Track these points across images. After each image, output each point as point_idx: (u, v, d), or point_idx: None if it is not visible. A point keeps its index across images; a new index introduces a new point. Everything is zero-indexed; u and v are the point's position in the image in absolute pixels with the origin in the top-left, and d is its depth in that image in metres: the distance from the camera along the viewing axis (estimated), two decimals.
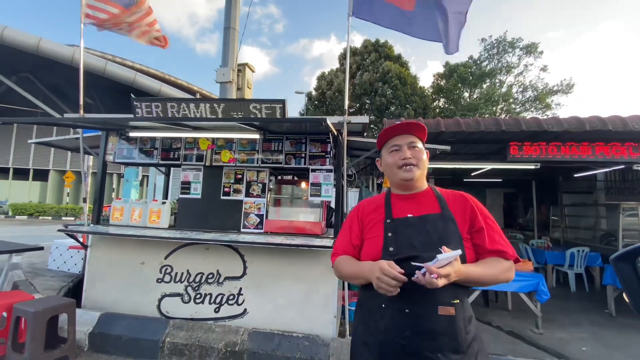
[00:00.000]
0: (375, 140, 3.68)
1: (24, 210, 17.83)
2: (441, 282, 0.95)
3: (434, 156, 3.81)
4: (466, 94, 20.68)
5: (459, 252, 0.98)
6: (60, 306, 2.76)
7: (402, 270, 1.00)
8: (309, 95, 19.62)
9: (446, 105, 20.77)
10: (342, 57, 18.97)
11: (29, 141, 4.91)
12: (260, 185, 3.55)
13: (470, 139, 4.55)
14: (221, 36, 5.39)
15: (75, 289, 3.97)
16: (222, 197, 3.58)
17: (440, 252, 0.97)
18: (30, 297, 2.88)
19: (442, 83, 20.78)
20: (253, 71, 5.89)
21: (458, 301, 1.09)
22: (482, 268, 1.10)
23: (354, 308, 3.73)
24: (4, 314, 2.67)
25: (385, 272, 1.00)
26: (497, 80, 20.21)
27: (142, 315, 3.18)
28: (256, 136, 3.33)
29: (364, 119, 3.46)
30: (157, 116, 3.37)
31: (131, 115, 3.36)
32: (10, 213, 17.68)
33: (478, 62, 20.30)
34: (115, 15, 3.95)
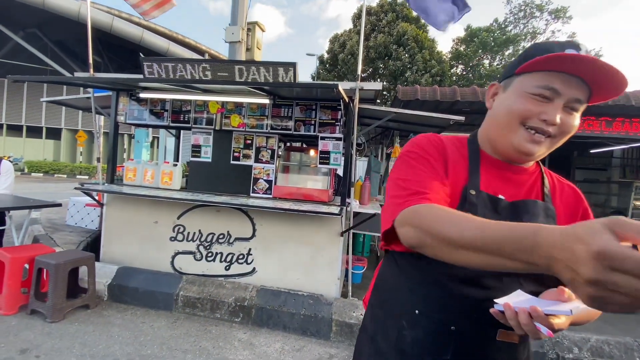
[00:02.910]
0: (387, 109, 3.61)
1: (39, 167, 18.34)
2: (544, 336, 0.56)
3: (446, 127, 3.73)
4: (486, 62, 19.68)
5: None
6: (81, 259, 2.93)
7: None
8: (320, 58, 18.91)
9: (464, 73, 19.87)
10: (357, 17, 17.98)
11: (42, 99, 4.94)
12: (269, 151, 3.56)
13: (486, 109, 4.41)
14: None
15: (93, 244, 4.18)
16: (232, 162, 3.62)
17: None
18: (51, 250, 3.06)
19: (461, 48, 19.71)
20: (263, 31, 5.66)
21: None
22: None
23: (358, 271, 3.89)
24: (26, 265, 2.86)
25: (628, 257, 0.36)
26: (520, 47, 19.08)
27: (156, 270, 3.38)
28: (266, 101, 3.29)
29: (377, 85, 3.36)
30: (166, 77, 3.32)
31: (140, 76, 3.32)
32: (26, 170, 18.22)
33: (503, 26, 19.06)
34: None
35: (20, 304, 2.82)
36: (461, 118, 3.36)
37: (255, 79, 3.23)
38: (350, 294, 3.18)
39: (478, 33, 18.40)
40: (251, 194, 3.55)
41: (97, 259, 3.44)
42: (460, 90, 4.14)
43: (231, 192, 3.56)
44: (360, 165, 6.61)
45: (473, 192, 0.73)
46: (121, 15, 13.51)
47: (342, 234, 3.13)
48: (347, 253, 3.35)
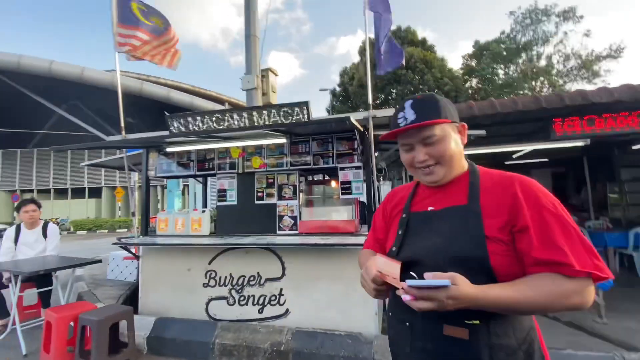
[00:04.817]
0: None
1: (82, 226, 19.59)
2: (422, 305, 0.73)
3: (468, 143, 3.63)
4: (501, 72, 19.43)
5: (447, 282, 0.71)
6: (120, 313, 3.00)
7: (391, 273, 0.82)
8: (333, 92, 19.53)
9: (479, 85, 19.66)
10: (362, 50, 18.65)
11: (81, 164, 5.39)
12: (291, 187, 3.61)
13: (508, 120, 4.27)
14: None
15: (132, 296, 4.29)
16: (256, 202, 3.69)
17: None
18: (93, 307, 3.15)
19: (472, 63, 19.71)
20: (276, 75, 5.97)
21: (478, 322, 0.79)
22: (513, 291, 0.74)
23: None
24: (71, 323, 2.96)
25: (366, 271, 0.89)
26: (534, 53, 18.78)
27: (192, 318, 3.37)
28: (283, 140, 3.39)
29: (389, 111, 3.39)
30: (189, 131, 3.53)
31: (166, 133, 3.56)
32: (71, 229, 19.50)
33: (511, 35, 19.00)
34: (145, 41, 4.23)
35: None
36: (482, 132, 3.27)
37: (274, 121, 3.36)
38: None
39: (488, 46, 18.42)
40: (277, 232, 3.56)
41: (136, 310, 3.51)
42: (477, 104, 4.05)
43: (258, 232, 3.59)
44: (384, 190, 6.50)
45: (404, 216, 1.01)
46: (149, 79, 14.86)
47: None
48: None
